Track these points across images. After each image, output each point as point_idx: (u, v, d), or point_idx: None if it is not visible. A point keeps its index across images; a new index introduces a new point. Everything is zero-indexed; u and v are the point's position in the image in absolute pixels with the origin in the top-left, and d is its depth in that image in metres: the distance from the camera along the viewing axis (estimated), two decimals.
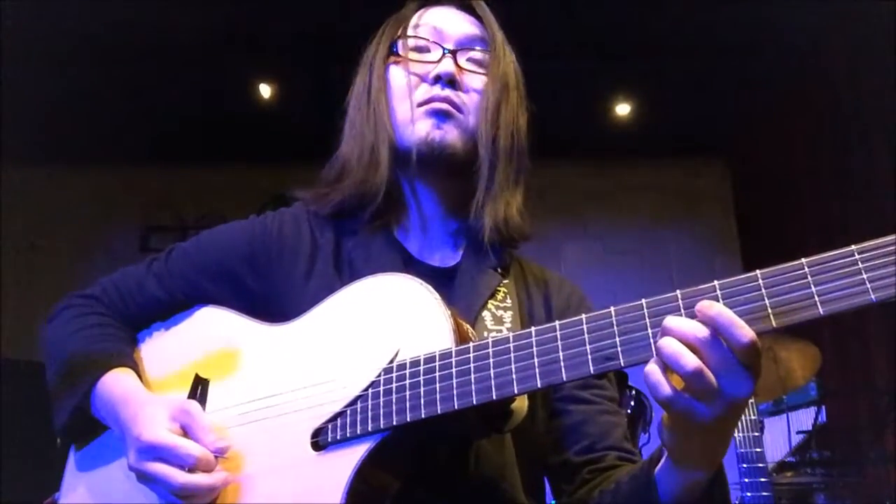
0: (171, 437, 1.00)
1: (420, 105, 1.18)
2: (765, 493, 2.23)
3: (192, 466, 0.98)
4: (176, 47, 4.27)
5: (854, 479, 3.37)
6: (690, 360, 0.76)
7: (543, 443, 1.16)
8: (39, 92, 4.32)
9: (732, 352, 0.77)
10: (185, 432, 1.02)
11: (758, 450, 2.28)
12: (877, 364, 4.02)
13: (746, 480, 2.26)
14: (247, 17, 4.16)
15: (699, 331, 0.77)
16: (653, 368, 0.80)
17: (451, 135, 1.17)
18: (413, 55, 1.22)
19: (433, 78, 1.19)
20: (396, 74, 1.22)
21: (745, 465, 2.27)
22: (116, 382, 1.13)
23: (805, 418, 3.93)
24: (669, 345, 0.78)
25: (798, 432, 3.89)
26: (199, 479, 0.98)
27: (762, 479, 2.24)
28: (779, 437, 3.98)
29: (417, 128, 1.17)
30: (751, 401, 2.32)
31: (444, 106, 1.17)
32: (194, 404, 1.05)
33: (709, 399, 0.78)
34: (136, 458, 1.01)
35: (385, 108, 1.20)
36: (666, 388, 0.79)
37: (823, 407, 3.87)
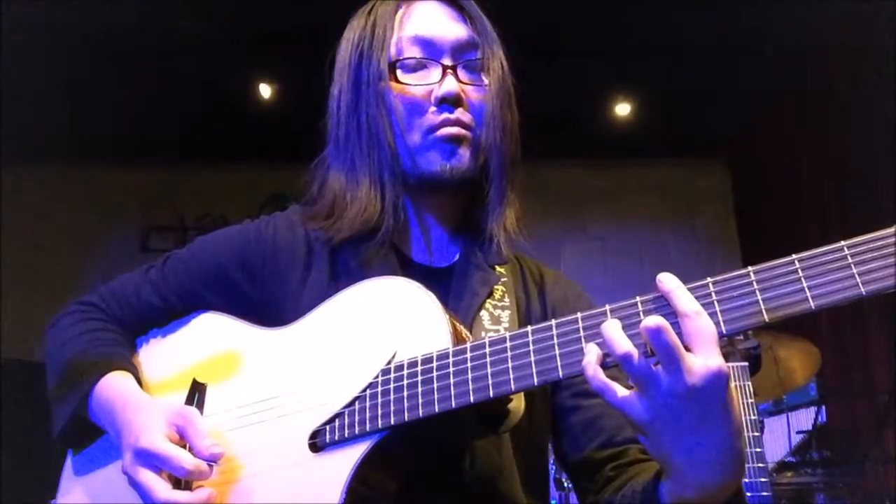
0: (166, 446, 0.98)
1: (429, 132, 1.12)
2: (765, 493, 2.22)
3: (184, 478, 0.97)
4: (176, 47, 4.27)
5: (854, 479, 3.36)
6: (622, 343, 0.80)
7: (542, 441, 1.16)
8: (39, 92, 4.32)
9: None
10: (182, 437, 1.01)
11: (758, 450, 2.27)
12: (877, 364, 4.03)
13: (746, 480, 2.26)
14: (247, 16, 4.17)
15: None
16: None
17: (465, 159, 1.13)
18: (409, 78, 1.14)
19: (437, 100, 1.12)
20: (394, 99, 1.14)
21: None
22: (115, 385, 1.12)
23: (805, 418, 3.94)
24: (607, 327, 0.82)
25: (798, 432, 3.90)
26: (180, 496, 0.96)
27: (762, 479, 2.23)
28: (779, 437, 3.99)
29: (430, 157, 1.12)
30: (750, 401, 2.32)
31: (456, 130, 1.12)
32: (192, 409, 1.04)
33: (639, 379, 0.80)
34: (131, 462, 1.00)
35: (387, 136, 1.13)
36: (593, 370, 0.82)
37: (823, 407, 3.88)
